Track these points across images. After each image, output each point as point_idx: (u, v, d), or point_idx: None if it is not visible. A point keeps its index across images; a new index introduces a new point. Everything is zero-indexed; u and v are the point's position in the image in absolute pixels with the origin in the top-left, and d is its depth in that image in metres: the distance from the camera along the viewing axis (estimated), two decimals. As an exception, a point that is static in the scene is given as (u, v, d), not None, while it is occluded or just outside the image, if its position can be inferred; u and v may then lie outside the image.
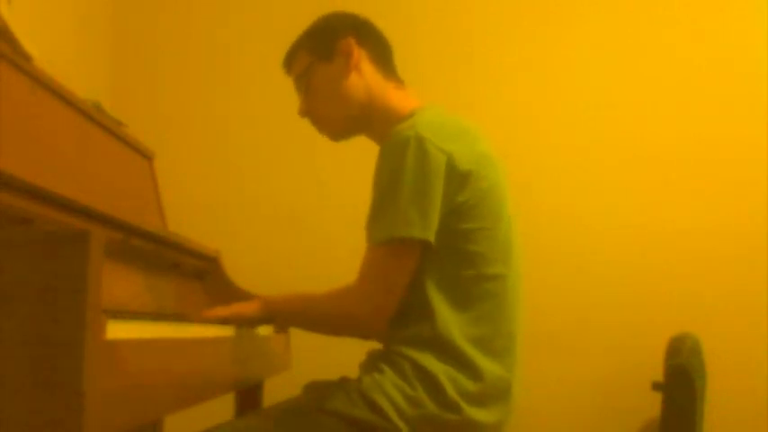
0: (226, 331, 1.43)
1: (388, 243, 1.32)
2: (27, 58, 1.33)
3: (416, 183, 1.31)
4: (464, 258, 1.36)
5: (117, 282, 1.35)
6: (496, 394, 1.36)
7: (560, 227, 2.58)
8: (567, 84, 2.65)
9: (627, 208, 2.57)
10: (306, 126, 1.60)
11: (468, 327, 1.34)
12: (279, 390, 1.70)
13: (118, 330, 0.91)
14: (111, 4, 2.81)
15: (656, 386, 1.90)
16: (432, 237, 1.32)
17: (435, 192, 1.32)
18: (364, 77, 1.50)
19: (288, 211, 2.72)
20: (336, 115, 1.53)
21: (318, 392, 1.39)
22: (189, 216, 2.33)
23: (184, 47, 2.84)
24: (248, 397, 1.94)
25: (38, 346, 0.81)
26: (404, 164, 1.31)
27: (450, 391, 1.29)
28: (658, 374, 1.88)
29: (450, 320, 1.33)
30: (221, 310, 1.46)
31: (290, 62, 1.58)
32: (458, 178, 1.34)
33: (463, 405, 1.29)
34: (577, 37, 2.67)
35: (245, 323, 1.48)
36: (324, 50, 1.51)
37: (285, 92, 2.77)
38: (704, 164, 2.55)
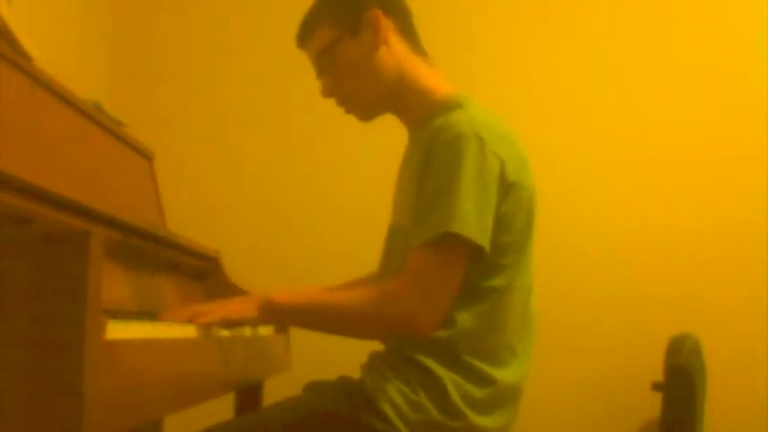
0: (226, 331, 1.43)
1: (440, 241, 1.22)
2: (27, 58, 1.33)
3: (476, 183, 1.23)
4: (491, 271, 1.30)
5: (117, 282, 1.35)
6: (504, 400, 1.34)
7: (560, 226, 2.57)
8: (568, 84, 2.65)
9: (627, 208, 2.57)
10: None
11: (483, 337, 1.30)
12: (279, 390, 1.70)
13: (118, 330, 0.91)
14: (111, 5, 2.81)
15: (656, 386, 1.90)
16: (486, 244, 1.24)
17: (492, 198, 1.25)
18: (394, 51, 1.39)
19: (287, 211, 2.71)
20: (367, 95, 1.41)
21: (319, 393, 1.38)
22: (189, 216, 2.33)
23: (184, 47, 2.84)
24: (248, 397, 1.93)
25: (37, 347, 0.81)
26: (463, 160, 1.23)
27: (455, 397, 1.26)
28: (658, 374, 1.88)
29: (466, 330, 1.29)
30: (219, 312, 1.33)
31: (306, 37, 1.43)
32: (504, 188, 1.28)
33: (467, 412, 1.27)
34: (578, 37, 2.66)
35: (245, 324, 1.47)
36: (349, 24, 1.38)
37: (285, 92, 2.80)
38: (704, 163, 2.55)
